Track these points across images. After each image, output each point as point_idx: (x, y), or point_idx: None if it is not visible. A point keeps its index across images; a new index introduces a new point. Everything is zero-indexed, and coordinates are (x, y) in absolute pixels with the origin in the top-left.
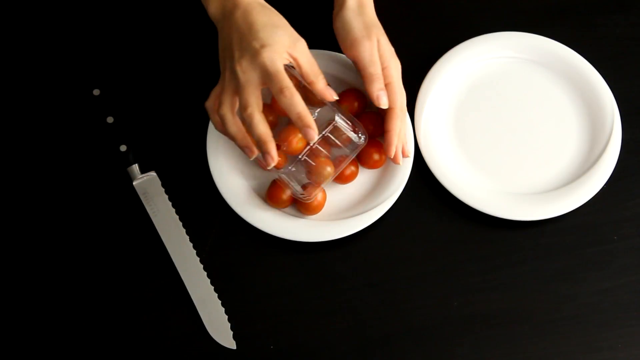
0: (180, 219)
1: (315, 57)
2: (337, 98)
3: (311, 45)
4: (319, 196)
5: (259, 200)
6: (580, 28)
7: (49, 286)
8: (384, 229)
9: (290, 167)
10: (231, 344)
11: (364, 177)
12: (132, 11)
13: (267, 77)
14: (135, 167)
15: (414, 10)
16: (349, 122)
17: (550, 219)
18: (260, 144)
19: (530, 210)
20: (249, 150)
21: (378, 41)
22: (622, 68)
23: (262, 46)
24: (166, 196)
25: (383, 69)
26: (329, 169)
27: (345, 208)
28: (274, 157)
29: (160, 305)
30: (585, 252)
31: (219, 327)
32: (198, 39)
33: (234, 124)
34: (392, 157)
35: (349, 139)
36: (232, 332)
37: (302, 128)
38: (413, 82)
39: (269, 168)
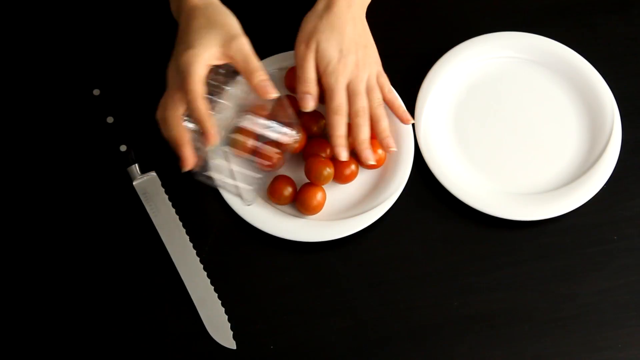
0: (180, 219)
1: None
2: (274, 96)
3: None
4: (319, 196)
5: (259, 200)
6: (580, 28)
7: (49, 286)
8: (384, 229)
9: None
10: (231, 344)
11: (364, 177)
12: (132, 11)
13: (182, 80)
14: (135, 167)
15: (414, 10)
16: (274, 121)
17: (550, 219)
18: (174, 147)
19: (530, 210)
20: (186, 160)
21: (317, 45)
22: (622, 68)
23: (185, 49)
24: (166, 196)
25: (320, 75)
26: (329, 170)
27: (345, 208)
28: (188, 162)
29: (160, 305)
30: (585, 252)
31: (219, 327)
32: None
33: (174, 128)
34: (338, 157)
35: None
36: (232, 332)
37: (202, 133)
38: (413, 82)
39: (183, 170)
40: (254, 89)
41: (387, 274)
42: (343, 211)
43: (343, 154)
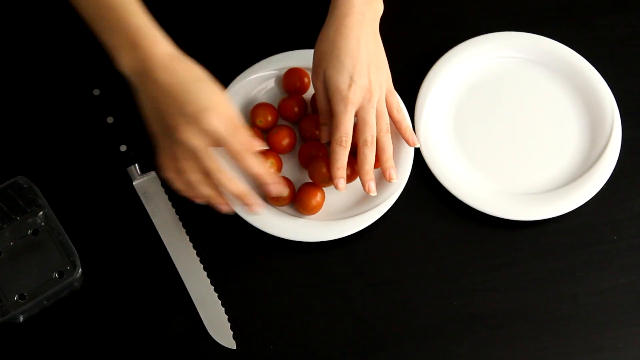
0: (180, 219)
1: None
2: (261, 148)
3: (310, 45)
4: (318, 196)
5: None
6: (580, 28)
7: None
8: (384, 229)
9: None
10: (231, 344)
11: None
12: None
13: (219, 141)
14: (135, 167)
15: (414, 11)
16: None
17: (550, 219)
18: (240, 199)
19: (530, 210)
20: (226, 206)
21: (325, 74)
22: (622, 68)
23: (199, 110)
24: (166, 196)
25: (330, 101)
26: (324, 170)
27: (345, 208)
28: (258, 206)
29: (160, 305)
30: (585, 252)
31: (219, 327)
32: (197, 39)
33: (207, 186)
34: (336, 188)
35: None
36: (232, 332)
37: (260, 185)
38: (413, 82)
39: (255, 214)
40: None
41: (387, 274)
42: (343, 211)
43: (341, 186)
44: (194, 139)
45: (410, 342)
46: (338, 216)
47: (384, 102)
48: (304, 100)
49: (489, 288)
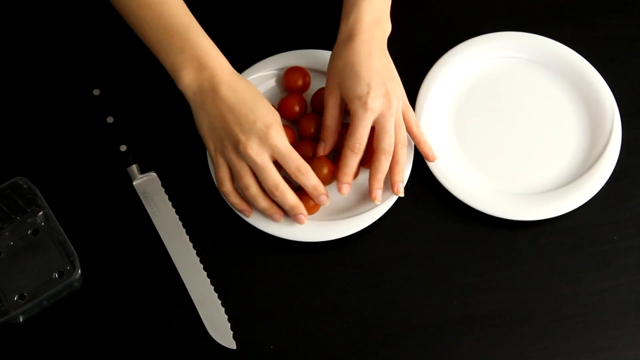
0: (180, 219)
1: (313, 56)
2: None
3: (310, 45)
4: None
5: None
6: (580, 28)
7: None
8: (384, 229)
9: None
10: (231, 344)
11: (364, 177)
12: None
13: (280, 157)
14: (135, 167)
15: (414, 10)
16: None
17: (550, 219)
18: (293, 211)
19: (530, 210)
20: (279, 216)
21: (341, 86)
22: (622, 68)
23: (267, 127)
24: (166, 196)
25: (348, 107)
26: (325, 170)
27: (345, 208)
28: (306, 216)
29: (160, 305)
30: (585, 252)
31: (219, 327)
32: None
33: (264, 200)
34: (340, 192)
35: None
36: (232, 332)
37: (317, 197)
38: (413, 82)
39: (302, 223)
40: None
41: (387, 274)
42: (343, 211)
43: (345, 191)
44: (261, 154)
45: (410, 342)
46: (338, 216)
47: (401, 115)
48: (304, 99)
49: (489, 288)
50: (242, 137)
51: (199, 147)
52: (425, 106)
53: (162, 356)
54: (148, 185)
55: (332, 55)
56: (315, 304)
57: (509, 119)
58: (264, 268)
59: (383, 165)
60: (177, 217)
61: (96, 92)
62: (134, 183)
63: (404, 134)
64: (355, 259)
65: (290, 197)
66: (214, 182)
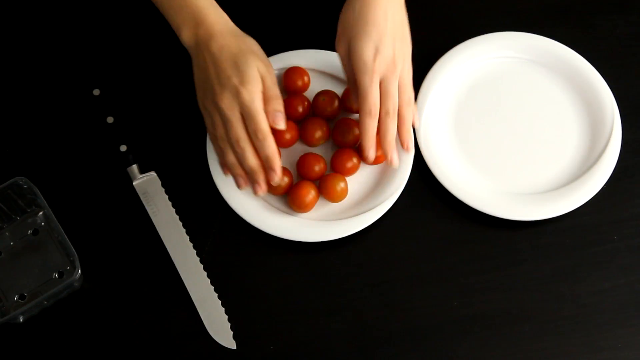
0: (180, 219)
1: (315, 56)
2: (281, 127)
3: (311, 45)
4: (311, 194)
5: (259, 200)
6: (580, 28)
7: None
8: (384, 229)
9: None
10: (231, 344)
11: (364, 176)
12: (132, 11)
13: (245, 115)
14: (135, 167)
15: (414, 10)
16: None
17: (550, 219)
18: (251, 174)
19: (530, 210)
20: (242, 180)
21: (350, 44)
22: (622, 68)
23: (241, 83)
24: (166, 196)
25: (355, 73)
26: (355, 161)
27: (345, 208)
28: (264, 188)
29: (160, 305)
30: (585, 252)
31: (219, 327)
32: None
33: (232, 155)
34: (367, 158)
35: None
36: (232, 332)
37: (267, 170)
38: (413, 82)
39: (257, 194)
40: (266, 114)
41: (387, 274)
42: (343, 211)
43: (371, 155)
44: (231, 108)
45: (410, 342)
46: (338, 216)
47: (406, 76)
48: (304, 99)
49: (489, 288)
50: (217, 89)
51: (199, 147)
52: (425, 106)
53: (162, 356)
54: (148, 185)
55: (345, 6)
56: (315, 304)
57: (509, 119)
58: (264, 268)
59: (390, 127)
60: (177, 217)
61: (96, 92)
62: (134, 183)
63: (409, 94)
64: (355, 259)
65: (249, 158)
66: (214, 183)
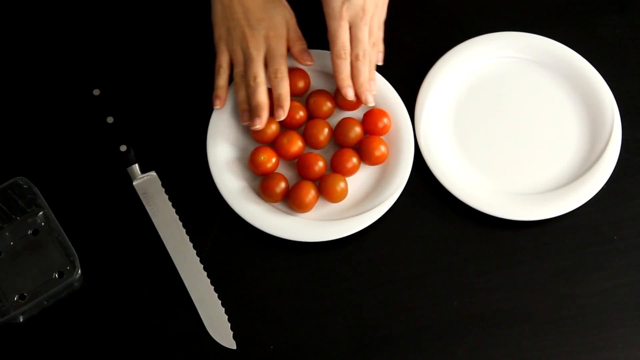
0: (180, 219)
1: (315, 57)
2: (308, 64)
3: (311, 45)
4: (311, 194)
5: (259, 200)
6: (580, 28)
7: None
8: (384, 229)
9: None
10: (231, 344)
11: (364, 176)
12: (132, 11)
13: (270, 57)
14: (135, 167)
15: (414, 10)
16: None
17: (550, 219)
18: (256, 109)
19: (531, 210)
20: (245, 114)
21: None
22: (622, 68)
23: (270, 27)
24: (166, 196)
25: (326, 22)
26: (354, 161)
27: (345, 208)
28: (262, 123)
29: (160, 305)
30: (585, 252)
31: (219, 327)
32: (198, 39)
33: (244, 91)
34: (345, 96)
35: None
36: (232, 332)
37: (276, 107)
38: (413, 82)
39: (253, 128)
40: (293, 54)
41: (387, 274)
42: (343, 211)
43: (350, 94)
44: (257, 49)
45: (410, 342)
46: (338, 216)
47: (376, 20)
48: (301, 105)
49: (489, 288)
50: (247, 31)
51: (199, 147)
52: (425, 106)
53: (162, 356)
54: (148, 185)
55: None
56: (315, 304)
57: (509, 119)
58: (264, 268)
59: (361, 70)
60: (177, 217)
61: (96, 92)
62: (134, 183)
63: (374, 38)
64: (355, 259)
65: (261, 94)
66: (214, 183)
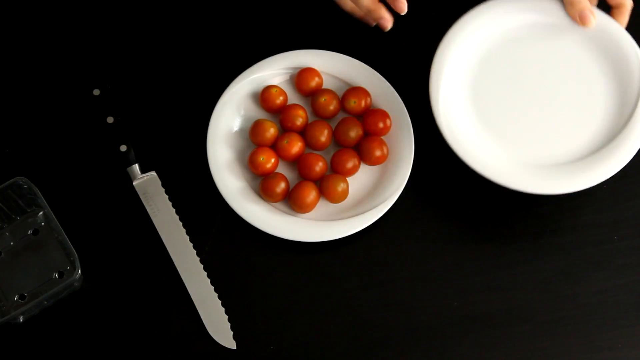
0: (180, 219)
1: (316, 57)
2: (403, 12)
3: (312, 45)
4: (312, 195)
5: (259, 200)
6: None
7: None
8: (384, 229)
9: None
10: (231, 344)
11: (364, 176)
12: (133, 11)
13: None
14: (136, 167)
15: None
16: None
17: (551, 219)
18: (371, 14)
19: (554, 183)
20: (372, 19)
21: None
22: None
23: None
24: (166, 196)
25: None
26: (355, 162)
27: (346, 208)
28: (388, 19)
29: (160, 305)
30: (585, 252)
31: (219, 327)
32: (198, 39)
33: (348, 3)
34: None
35: None
36: (232, 332)
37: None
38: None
39: (386, 27)
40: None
41: (387, 274)
42: (343, 211)
43: (587, 17)
44: None
45: (410, 342)
46: (338, 216)
47: None
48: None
49: (489, 288)
50: None
51: (199, 147)
52: (444, 72)
53: (162, 356)
54: (148, 185)
55: None
56: (315, 304)
57: (531, 86)
58: (264, 268)
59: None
60: (177, 217)
61: (96, 92)
62: (134, 183)
63: None
64: (355, 259)
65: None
66: (214, 183)
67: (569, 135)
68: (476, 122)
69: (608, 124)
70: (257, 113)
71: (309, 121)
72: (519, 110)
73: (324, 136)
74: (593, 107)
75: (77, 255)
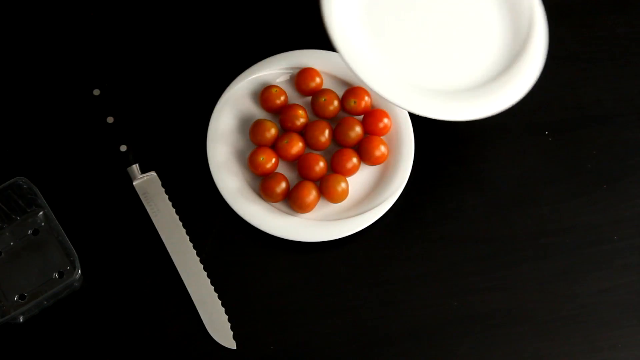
0: (180, 219)
1: (316, 57)
2: None
3: (312, 45)
4: (312, 195)
5: (259, 200)
6: (580, 28)
7: None
8: (384, 229)
9: None
10: (231, 344)
11: (364, 176)
12: (133, 11)
13: None
14: (135, 167)
15: None
16: None
17: (551, 219)
18: None
19: (454, 108)
20: None
21: None
22: (622, 68)
23: None
24: (166, 196)
25: None
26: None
27: (345, 208)
28: None
29: (160, 305)
30: (585, 252)
31: (219, 327)
32: (198, 39)
33: None
34: None
35: None
36: (232, 332)
37: None
38: None
39: None
40: None
41: (387, 274)
42: (343, 211)
43: None
44: None
45: (410, 342)
46: (338, 216)
47: None
48: (302, 109)
49: (489, 288)
50: None
51: (199, 147)
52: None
53: (162, 356)
54: (148, 185)
55: None
56: (315, 304)
57: (425, 12)
58: (264, 268)
59: None
60: (177, 217)
61: (96, 92)
62: (134, 183)
63: None
64: (355, 259)
65: None
66: (214, 183)
67: (464, 62)
68: (372, 42)
69: (503, 52)
70: (257, 113)
71: (309, 121)
72: (414, 33)
73: (324, 136)
74: (487, 35)
75: (77, 255)
